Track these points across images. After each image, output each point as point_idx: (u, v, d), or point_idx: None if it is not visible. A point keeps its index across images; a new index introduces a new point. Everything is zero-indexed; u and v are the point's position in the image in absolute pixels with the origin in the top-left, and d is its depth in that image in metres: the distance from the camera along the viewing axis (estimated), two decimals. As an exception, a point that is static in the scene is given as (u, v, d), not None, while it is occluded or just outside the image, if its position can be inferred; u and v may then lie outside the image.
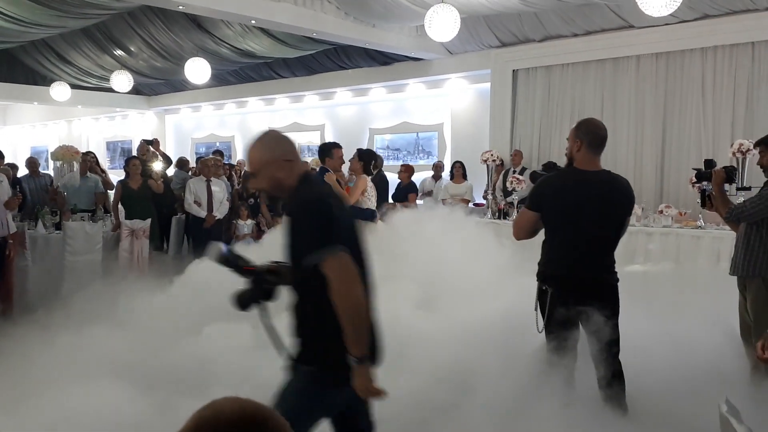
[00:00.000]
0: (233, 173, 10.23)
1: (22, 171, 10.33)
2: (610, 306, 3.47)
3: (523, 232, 3.62)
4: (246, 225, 8.78)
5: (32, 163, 9.86)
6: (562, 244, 3.48)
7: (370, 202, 6.32)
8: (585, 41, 9.33)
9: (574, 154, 3.50)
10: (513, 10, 8.94)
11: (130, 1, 9.83)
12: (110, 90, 13.06)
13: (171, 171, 10.69)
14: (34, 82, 14.70)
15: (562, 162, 4.10)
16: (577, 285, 3.45)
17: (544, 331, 3.51)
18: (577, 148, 3.48)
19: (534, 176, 4.14)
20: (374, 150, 10.44)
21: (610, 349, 3.44)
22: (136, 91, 14.64)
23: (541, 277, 3.54)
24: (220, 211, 8.47)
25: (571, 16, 9.07)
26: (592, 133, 3.48)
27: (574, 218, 3.43)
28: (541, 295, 3.52)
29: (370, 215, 6.24)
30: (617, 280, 3.55)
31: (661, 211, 7.40)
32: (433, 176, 10.62)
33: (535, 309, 3.56)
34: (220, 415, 1.28)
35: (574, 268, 3.45)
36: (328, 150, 6.48)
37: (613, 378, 3.45)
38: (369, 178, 6.42)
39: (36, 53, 13.68)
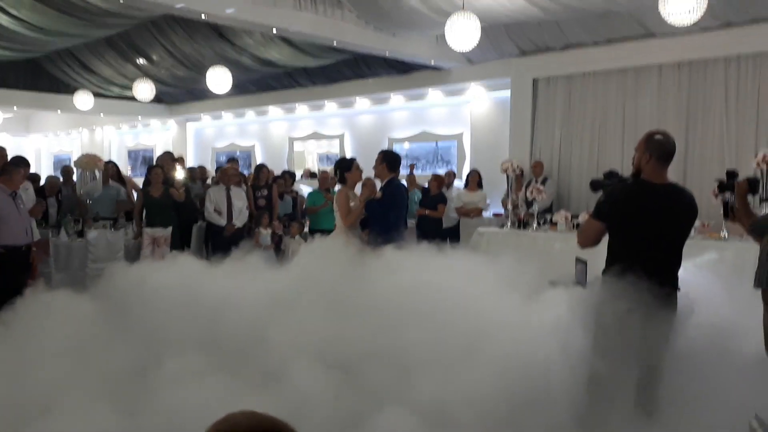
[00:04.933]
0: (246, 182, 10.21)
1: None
2: (672, 315, 3.58)
3: (588, 241, 3.76)
4: (267, 234, 8.68)
5: (67, 171, 10.03)
6: (632, 254, 3.54)
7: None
8: (606, 50, 9.26)
9: (643, 166, 3.59)
10: (533, 19, 8.91)
11: (153, 11, 9.94)
12: (132, 99, 13.18)
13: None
14: (57, 90, 14.89)
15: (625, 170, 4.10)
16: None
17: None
18: (646, 160, 3.57)
19: (595, 184, 4.09)
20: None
21: (660, 356, 3.55)
22: (157, 99, 14.76)
23: None
24: (240, 219, 8.50)
25: (593, 24, 9.02)
26: (661, 146, 3.56)
27: (644, 230, 3.52)
28: None
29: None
30: (679, 289, 3.63)
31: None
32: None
33: None
34: (236, 429, 1.30)
35: (645, 278, 3.51)
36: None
37: (651, 383, 3.55)
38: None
39: (60, 62, 13.87)
